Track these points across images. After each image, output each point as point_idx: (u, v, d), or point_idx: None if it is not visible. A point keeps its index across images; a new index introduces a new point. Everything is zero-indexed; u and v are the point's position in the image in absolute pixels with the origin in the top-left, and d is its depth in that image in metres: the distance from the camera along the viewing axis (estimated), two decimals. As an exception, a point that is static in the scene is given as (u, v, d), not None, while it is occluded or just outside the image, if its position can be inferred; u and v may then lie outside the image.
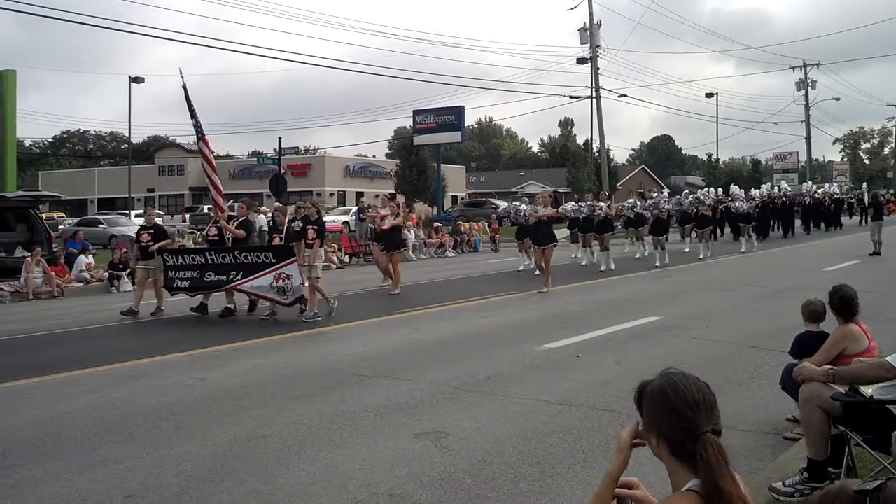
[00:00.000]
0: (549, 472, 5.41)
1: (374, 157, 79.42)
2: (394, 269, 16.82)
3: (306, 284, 13.20)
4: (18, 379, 8.89)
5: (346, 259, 26.43)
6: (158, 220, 15.74)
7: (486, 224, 35.11)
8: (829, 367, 4.97)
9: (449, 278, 20.31)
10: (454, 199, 66.88)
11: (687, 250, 25.01)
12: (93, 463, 5.84)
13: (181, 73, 15.21)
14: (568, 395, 7.43)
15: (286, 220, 14.35)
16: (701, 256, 22.61)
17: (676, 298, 14.72)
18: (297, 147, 69.51)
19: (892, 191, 63.70)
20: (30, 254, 19.18)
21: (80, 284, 19.81)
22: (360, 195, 48.98)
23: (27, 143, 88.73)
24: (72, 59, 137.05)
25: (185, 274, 14.02)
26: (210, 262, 13.75)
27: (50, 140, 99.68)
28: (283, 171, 40.68)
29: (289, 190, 42.04)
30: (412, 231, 29.63)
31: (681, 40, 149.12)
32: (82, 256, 20.82)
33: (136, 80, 47.64)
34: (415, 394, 7.67)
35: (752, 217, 26.86)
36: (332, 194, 63.51)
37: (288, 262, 12.89)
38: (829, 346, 5.51)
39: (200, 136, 15.20)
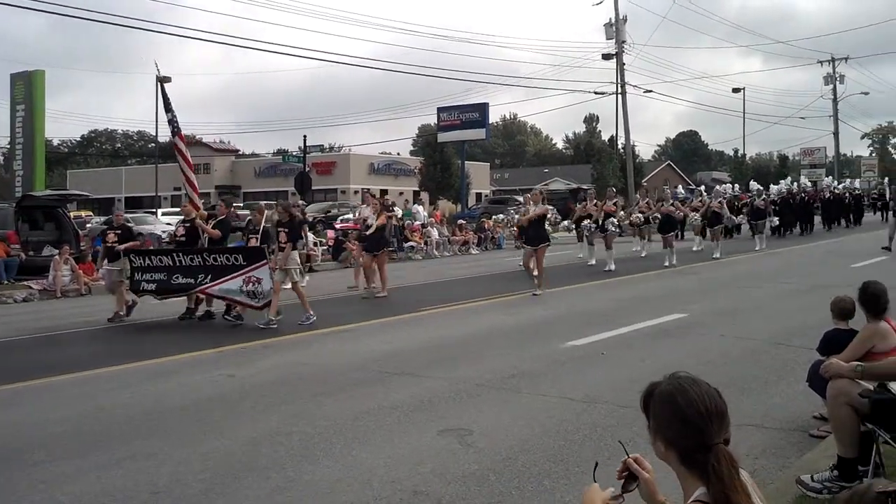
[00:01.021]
0: (574, 469, 5.40)
1: (398, 154, 79.42)
2: (380, 270, 16.08)
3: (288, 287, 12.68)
4: (48, 376, 9.00)
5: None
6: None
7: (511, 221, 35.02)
8: (857, 363, 4.91)
9: (472, 276, 20.27)
10: (478, 196, 66.79)
11: (696, 248, 24.61)
12: (121, 459, 5.90)
13: (156, 65, 14.84)
14: (592, 393, 7.41)
15: (263, 221, 13.59)
16: (716, 256, 21.98)
17: (701, 296, 14.61)
18: (322, 145, 69.72)
19: None
20: (58, 252, 19.41)
21: (108, 282, 19.96)
22: (384, 192, 49.08)
23: (55, 142, 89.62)
24: (101, 59, 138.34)
25: (151, 276, 13.36)
26: (178, 263, 13.13)
27: (78, 139, 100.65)
28: (307, 169, 40.75)
29: (314, 188, 42.20)
30: (434, 228, 29.67)
31: (708, 35, 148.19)
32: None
33: (163, 79, 47.88)
34: (439, 391, 7.67)
35: (766, 214, 26.45)
36: (356, 192, 63.58)
37: (258, 264, 12.37)
38: (858, 343, 5.45)
39: (176, 131, 14.74)
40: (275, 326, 11.95)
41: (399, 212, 29.15)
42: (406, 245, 28.02)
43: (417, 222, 30.35)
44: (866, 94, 74.05)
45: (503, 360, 9.09)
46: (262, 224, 13.42)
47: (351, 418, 6.78)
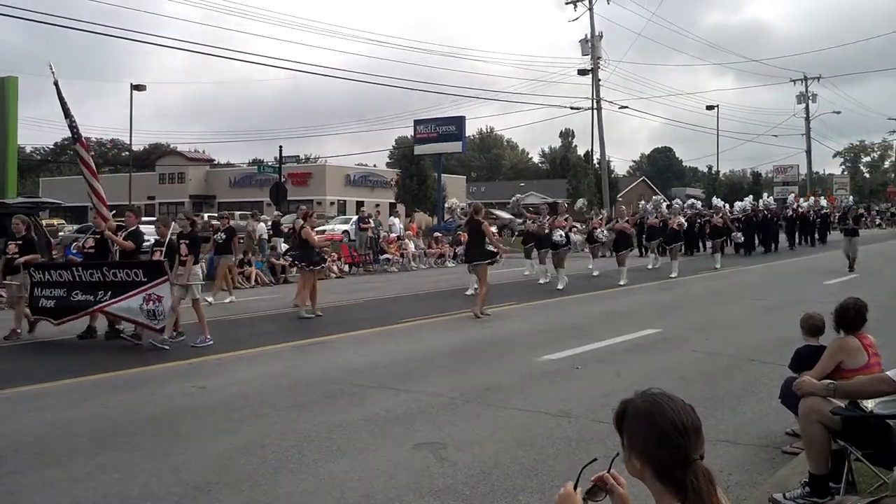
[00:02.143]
0: (548, 484, 5.39)
1: (374, 166, 79.49)
2: (307, 287, 14.86)
3: (183, 305, 12.03)
4: (17, 386, 8.87)
5: (346, 269, 26.43)
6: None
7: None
8: (829, 381, 4.95)
9: (447, 289, 20.22)
10: (454, 209, 66.81)
11: (650, 267, 24.52)
12: (91, 471, 5.83)
13: (52, 69, 13.94)
14: (567, 407, 7.42)
15: (169, 234, 12.44)
16: (672, 275, 21.60)
17: (675, 311, 14.70)
18: (298, 156, 69.52)
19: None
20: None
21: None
22: (360, 204, 49.03)
23: (28, 149, 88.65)
24: (76, 66, 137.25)
25: (51, 292, 12.54)
26: (78, 278, 12.31)
27: (51, 147, 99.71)
28: (283, 179, 40.60)
29: (289, 198, 41.99)
30: (412, 241, 29.69)
31: (682, 53, 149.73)
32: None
33: (138, 87, 47.65)
34: (413, 404, 7.65)
35: (723, 232, 26.40)
36: (332, 203, 63.50)
37: (158, 281, 11.43)
38: (826, 357, 5.51)
39: (76, 137, 14.03)
40: (168, 348, 11.23)
41: (373, 223, 29.21)
42: (382, 257, 28.04)
43: (394, 234, 30.43)
44: (838, 112, 75.33)
45: (478, 373, 9.09)
46: (168, 237, 12.39)
47: (325, 431, 6.75)
